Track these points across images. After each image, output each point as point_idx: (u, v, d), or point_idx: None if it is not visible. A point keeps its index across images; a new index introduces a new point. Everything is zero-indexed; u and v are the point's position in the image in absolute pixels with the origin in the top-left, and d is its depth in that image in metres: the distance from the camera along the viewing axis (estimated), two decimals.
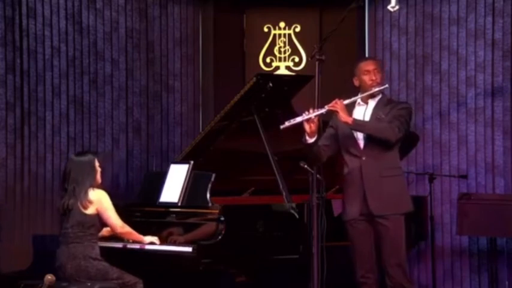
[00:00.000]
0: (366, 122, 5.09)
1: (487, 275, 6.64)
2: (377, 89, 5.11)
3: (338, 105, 4.94)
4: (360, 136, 5.08)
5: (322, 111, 4.87)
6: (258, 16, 7.55)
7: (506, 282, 6.52)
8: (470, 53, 6.83)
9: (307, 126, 4.89)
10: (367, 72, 5.13)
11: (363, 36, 7.31)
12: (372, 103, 5.15)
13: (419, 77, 7.03)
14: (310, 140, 4.93)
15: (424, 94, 7.00)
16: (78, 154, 5.33)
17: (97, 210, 5.12)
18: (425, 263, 6.82)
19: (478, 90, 6.80)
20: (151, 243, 5.26)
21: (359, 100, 5.16)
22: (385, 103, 5.14)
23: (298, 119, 4.88)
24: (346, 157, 5.15)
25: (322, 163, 4.99)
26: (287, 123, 4.91)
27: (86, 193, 5.10)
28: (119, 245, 5.36)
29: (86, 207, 5.08)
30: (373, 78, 5.13)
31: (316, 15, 7.45)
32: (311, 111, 4.85)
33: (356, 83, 5.21)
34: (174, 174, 5.59)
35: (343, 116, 4.95)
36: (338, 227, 5.19)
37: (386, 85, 5.21)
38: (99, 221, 5.17)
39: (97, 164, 5.24)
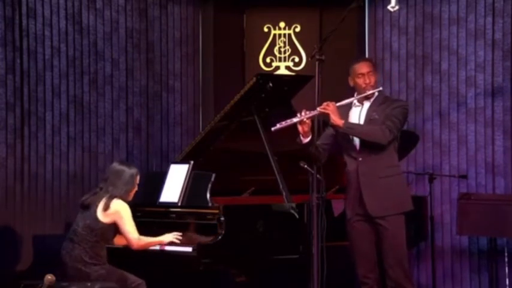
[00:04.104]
0: (356, 125, 5.09)
1: (487, 275, 6.65)
2: (370, 92, 5.11)
3: (330, 107, 4.94)
4: (355, 137, 5.09)
5: (314, 113, 4.89)
6: (258, 16, 7.55)
7: (507, 282, 6.52)
8: (470, 53, 6.83)
9: (300, 128, 4.92)
10: (361, 75, 5.13)
11: (363, 36, 7.31)
12: (367, 104, 5.15)
13: (419, 77, 7.03)
14: (305, 140, 4.96)
15: (424, 94, 7.00)
16: (123, 163, 5.31)
17: (114, 221, 5.10)
18: (425, 263, 6.82)
19: (478, 90, 6.80)
20: (171, 242, 5.23)
21: (355, 101, 5.17)
22: (381, 102, 5.14)
23: (290, 121, 4.90)
24: (346, 157, 5.17)
25: (323, 163, 5.00)
26: (278, 125, 4.93)
27: (112, 198, 5.09)
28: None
29: (103, 212, 5.07)
30: (367, 81, 5.13)
31: (316, 15, 7.45)
32: (303, 113, 4.88)
33: (351, 83, 5.21)
34: (174, 174, 5.59)
35: (334, 118, 4.95)
36: (338, 227, 5.19)
37: (380, 88, 5.22)
38: (112, 232, 5.15)
39: (137, 180, 5.24)
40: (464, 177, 6.67)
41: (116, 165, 5.24)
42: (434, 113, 6.91)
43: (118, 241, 5.28)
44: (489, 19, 6.74)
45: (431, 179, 6.52)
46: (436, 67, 6.95)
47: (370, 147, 5.04)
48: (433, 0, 6.97)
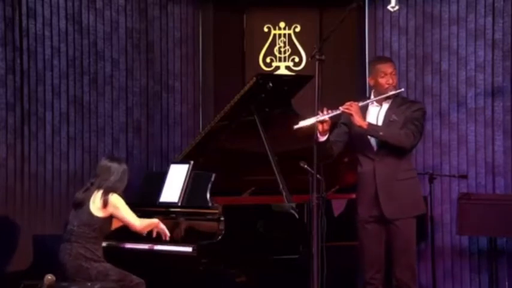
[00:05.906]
0: (381, 127, 5.02)
1: (487, 275, 6.65)
2: (393, 93, 5.04)
3: (353, 107, 4.91)
4: (373, 138, 5.05)
5: (337, 112, 4.86)
6: (258, 16, 7.54)
7: (506, 282, 6.52)
8: (470, 53, 6.83)
9: (320, 126, 4.84)
10: (385, 74, 5.07)
11: (363, 36, 7.31)
12: (386, 105, 5.10)
13: (419, 77, 7.03)
14: (322, 139, 4.88)
15: (424, 94, 7.00)
16: (112, 159, 5.29)
17: (111, 214, 5.11)
18: (425, 263, 6.81)
19: (478, 90, 6.80)
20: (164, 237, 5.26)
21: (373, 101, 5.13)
22: (399, 104, 5.09)
23: (312, 120, 4.83)
24: (360, 157, 5.12)
25: (333, 159, 4.98)
26: (301, 124, 4.88)
27: (108, 193, 5.09)
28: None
29: (102, 209, 5.07)
30: (390, 81, 5.07)
31: (316, 15, 7.44)
32: (325, 112, 4.81)
33: (371, 82, 5.15)
34: (174, 174, 5.59)
35: (357, 119, 4.91)
36: (338, 227, 5.19)
37: (403, 89, 5.21)
38: (108, 224, 5.16)
39: (127, 176, 5.25)
40: (464, 177, 6.66)
41: (107, 162, 5.24)
42: (434, 113, 6.91)
43: (114, 224, 5.29)
44: (489, 19, 6.74)
45: (431, 179, 6.51)
46: (436, 67, 6.95)
47: (388, 149, 5.00)
48: (433, 0, 6.97)
